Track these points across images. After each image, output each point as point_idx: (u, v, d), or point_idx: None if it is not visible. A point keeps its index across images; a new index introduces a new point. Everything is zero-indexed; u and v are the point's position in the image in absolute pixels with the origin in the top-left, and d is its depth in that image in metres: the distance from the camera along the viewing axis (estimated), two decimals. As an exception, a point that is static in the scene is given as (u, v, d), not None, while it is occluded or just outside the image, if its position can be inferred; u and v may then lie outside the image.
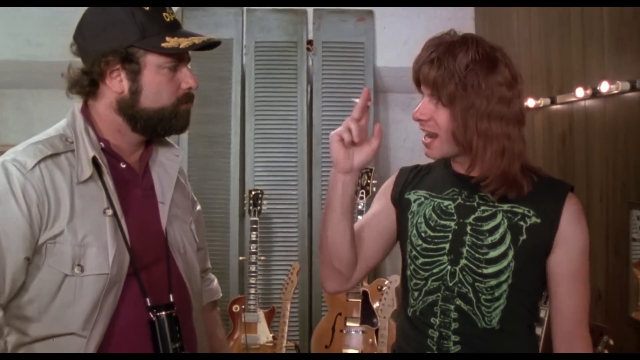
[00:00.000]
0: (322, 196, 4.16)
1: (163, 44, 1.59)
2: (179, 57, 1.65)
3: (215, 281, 2.07)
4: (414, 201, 1.76)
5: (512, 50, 3.77)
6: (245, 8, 4.37)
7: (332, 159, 1.63)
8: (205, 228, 1.97)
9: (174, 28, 1.65)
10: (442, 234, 1.69)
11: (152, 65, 1.61)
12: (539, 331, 2.74)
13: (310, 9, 4.39)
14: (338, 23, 4.39)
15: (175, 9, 1.68)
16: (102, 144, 1.65)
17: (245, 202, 4.00)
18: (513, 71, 1.62)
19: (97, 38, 1.60)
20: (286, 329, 3.64)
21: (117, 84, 1.62)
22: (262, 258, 4.03)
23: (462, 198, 1.70)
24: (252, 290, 3.84)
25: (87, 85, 1.62)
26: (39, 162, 1.53)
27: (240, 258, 4.13)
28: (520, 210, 1.65)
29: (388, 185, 1.85)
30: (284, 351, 3.51)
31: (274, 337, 3.66)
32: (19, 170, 1.51)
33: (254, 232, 3.90)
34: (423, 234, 1.71)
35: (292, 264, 3.88)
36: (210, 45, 1.67)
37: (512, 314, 1.65)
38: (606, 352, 2.36)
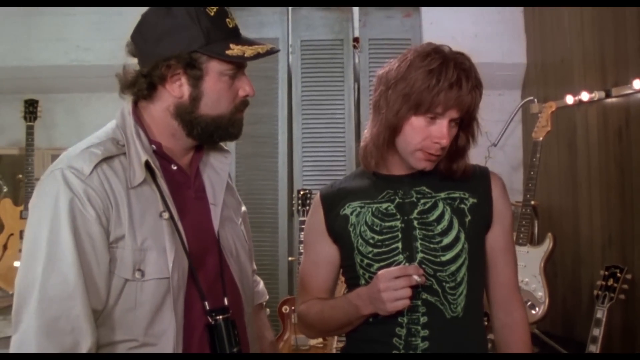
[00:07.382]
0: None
1: (228, 52, 1.56)
2: (239, 65, 1.62)
3: (262, 284, 2.05)
4: (351, 214, 1.80)
5: (563, 41, 3.69)
6: (290, 7, 4.37)
7: (388, 309, 1.62)
8: (250, 229, 1.95)
9: (237, 34, 1.62)
10: (390, 235, 1.74)
11: (214, 72, 1.58)
12: (597, 332, 2.65)
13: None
14: (384, 19, 4.34)
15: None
16: (153, 146, 1.62)
17: (293, 202, 3.98)
18: None
19: (160, 41, 1.56)
20: (337, 329, 3.58)
21: (177, 88, 1.59)
22: (311, 258, 3.98)
23: (399, 197, 1.78)
24: (302, 291, 3.80)
25: (145, 87, 1.60)
26: (95, 167, 1.50)
27: (290, 258, 4.12)
28: (456, 195, 1.77)
29: (317, 219, 1.86)
30: (334, 352, 3.47)
31: (324, 338, 3.63)
32: (77, 177, 1.47)
33: (303, 232, 3.87)
34: (371, 241, 1.75)
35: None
36: (270, 53, 1.65)
37: (472, 301, 1.74)
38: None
